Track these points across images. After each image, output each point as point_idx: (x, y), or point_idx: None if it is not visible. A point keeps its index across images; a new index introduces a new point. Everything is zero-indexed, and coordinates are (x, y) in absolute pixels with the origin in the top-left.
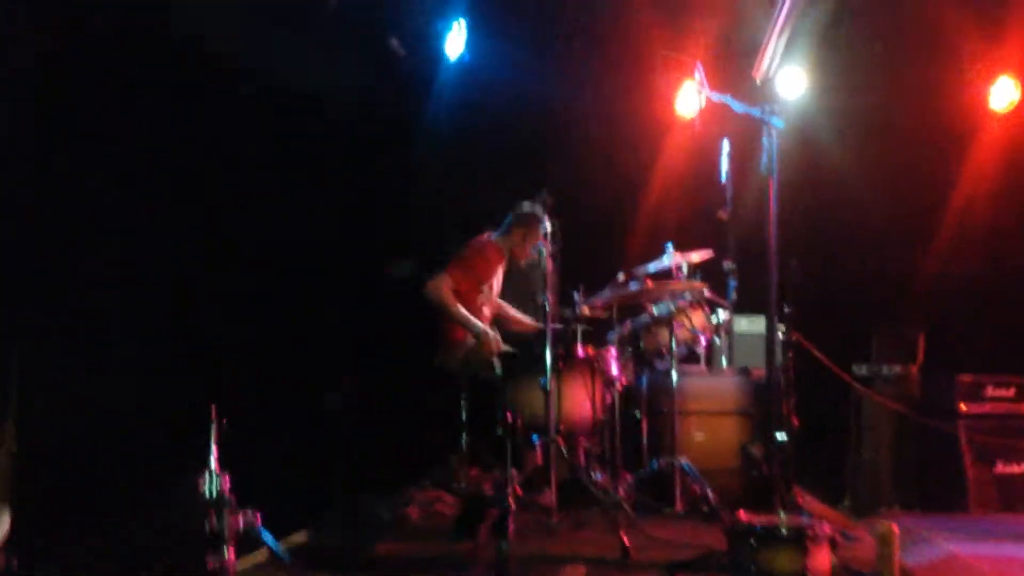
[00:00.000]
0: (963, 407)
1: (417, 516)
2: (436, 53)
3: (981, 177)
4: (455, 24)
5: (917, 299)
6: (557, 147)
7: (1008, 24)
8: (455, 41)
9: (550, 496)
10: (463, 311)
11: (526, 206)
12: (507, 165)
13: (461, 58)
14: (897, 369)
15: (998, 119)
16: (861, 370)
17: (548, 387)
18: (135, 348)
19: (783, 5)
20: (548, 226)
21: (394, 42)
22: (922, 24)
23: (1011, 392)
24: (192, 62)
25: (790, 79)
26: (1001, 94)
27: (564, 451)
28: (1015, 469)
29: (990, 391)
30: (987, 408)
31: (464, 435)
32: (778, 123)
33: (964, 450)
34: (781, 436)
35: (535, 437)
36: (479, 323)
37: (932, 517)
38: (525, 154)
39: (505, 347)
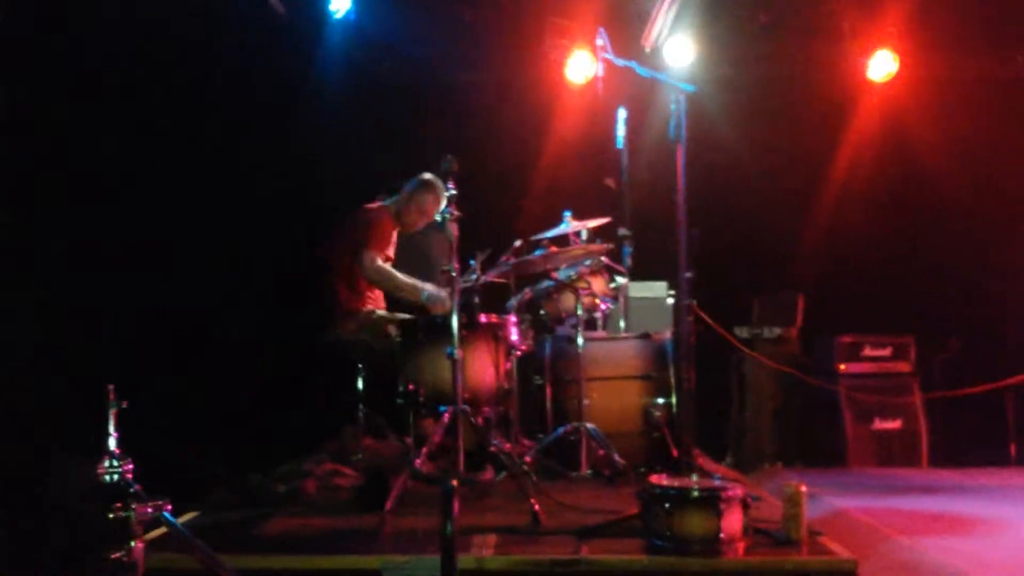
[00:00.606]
0: (842, 367)
1: (314, 490)
2: (320, 12)
3: (859, 146)
4: None
5: (798, 264)
6: (451, 112)
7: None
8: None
9: (451, 468)
10: (407, 278)
11: (425, 174)
12: (398, 130)
13: (348, 17)
14: (777, 331)
15: (876, 89)
16: (743, 332)
17: (456, 355)
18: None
19: None
20: (453, 191)
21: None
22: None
23: (888, 352)
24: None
25: (679, 48)
26: (879, 66)
27: (465, 420)
28: (891, 425)
29: (868, 351)
30: (865, 367)
31: (360, 407)
32: (688, 87)
33: (843, 408)
34: (678, 398)
35: (442, 407)
36: (426, 285)
37: (814, 473)
38: (418, 118)
39: (403, 315)
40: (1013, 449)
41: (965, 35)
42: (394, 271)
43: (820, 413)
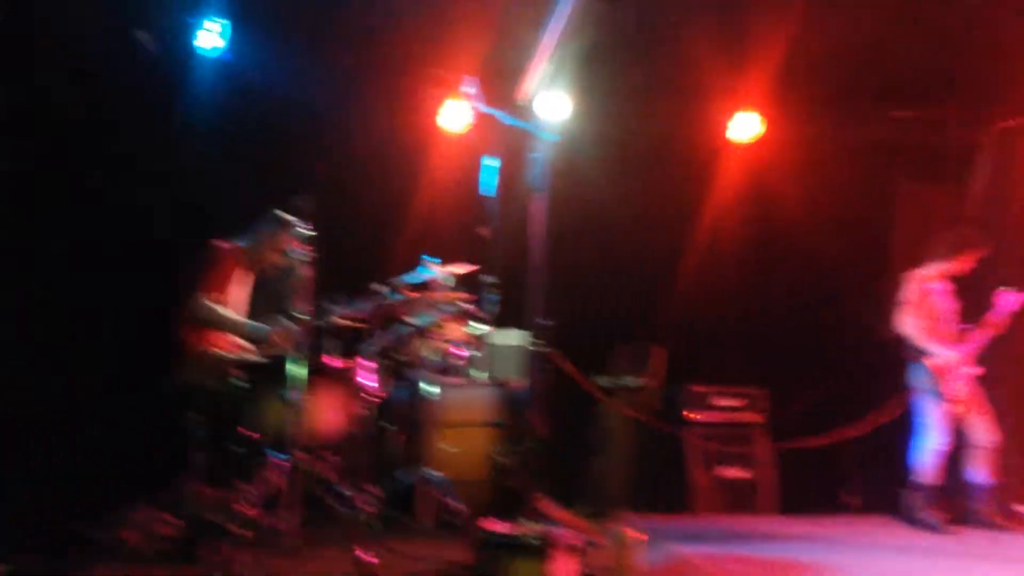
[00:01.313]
0: (691, 415)
1: (135, 539)
2: (191, 49)
3: (723, 203)
4: (210, 21)
5: (662, 315)
6: (323, 153)
7: (749, 62)
8: (210, 38)
9: (289, 516)
10: (231, 316)
11: (276, 212)
12: (269, 168)
13: (222, 56)
14: (636, 381)
15: (740, 149)
16: (603, 382)
17: (293, 400)
18: None
19: (549, 30)
20: (305, 231)
21: (143, 36)
22: (674, 58)
23: (735, 402)
24: None
25: (554, 102)
26: (742, 126)
27: (307, 467)
28: (740, 474)
29: (716, 400)
30: (713, 416)
31: (196, 452)
32: (550, 137)
33: (691, 456)
34: (529, 446)
35: (277, 453)
36: (260, 325)
37: (661, 520)
38: (289, 157)
39: (252, 357)
40: (852, 497)
41: (825, 99)
42: (218, 309)
43: (672, 461)
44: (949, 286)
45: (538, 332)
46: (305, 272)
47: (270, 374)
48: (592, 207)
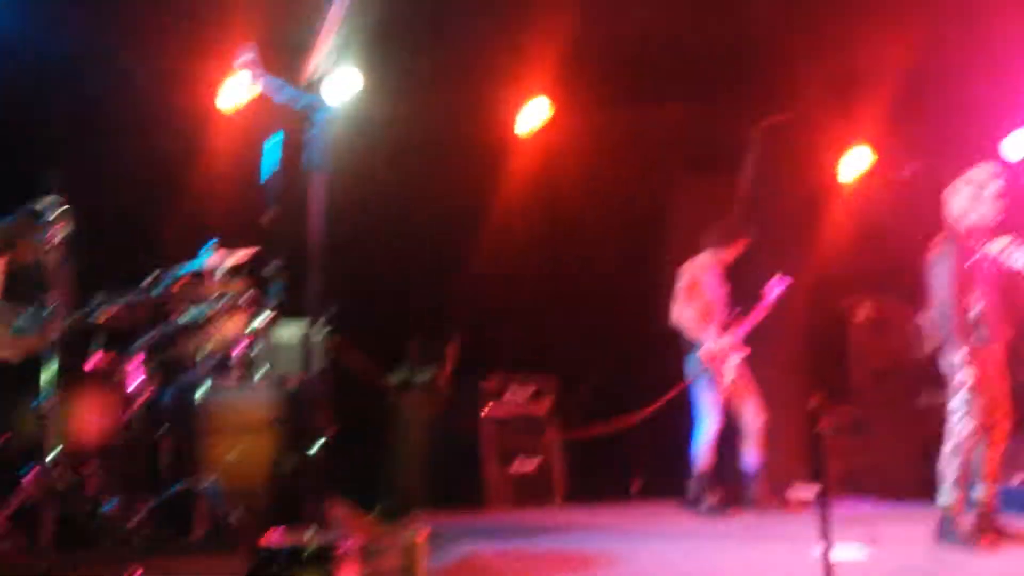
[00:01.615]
0: (486, 409)
1: None
2: None
3: (514, 191)
4: None
5: (454, 307)
6: (88, 133)
7: (539, 48)
8: None
9: (42, 535)
10: None
11: (33, 202)
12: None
13: None
14: (429, 375)
15: (531, 136)
16: (396, 377)
17: (47, 405)
18: None
19: (335, 3)
20: (60, 214)
21: None
22: (466, 41)
23: (529, 393)
24: None
25: (341, 80)
26: (532, 114)
27: (63, 481)
28: (529, 466)
29: (511, 394)
30: (507, 410)
31: None
32: (326, 112)
33: (484, 451)
34: (314, 447)
35: (30, 464)
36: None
37: (455, 517)
38: (48, 139)
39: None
40: (636, 484)
41: (618, 85)
42: None
43: (465, 457)
44: (722, 274)
45: (322, 324)
46: (61, 262)
47: (19, 376)
48: (384, 192)
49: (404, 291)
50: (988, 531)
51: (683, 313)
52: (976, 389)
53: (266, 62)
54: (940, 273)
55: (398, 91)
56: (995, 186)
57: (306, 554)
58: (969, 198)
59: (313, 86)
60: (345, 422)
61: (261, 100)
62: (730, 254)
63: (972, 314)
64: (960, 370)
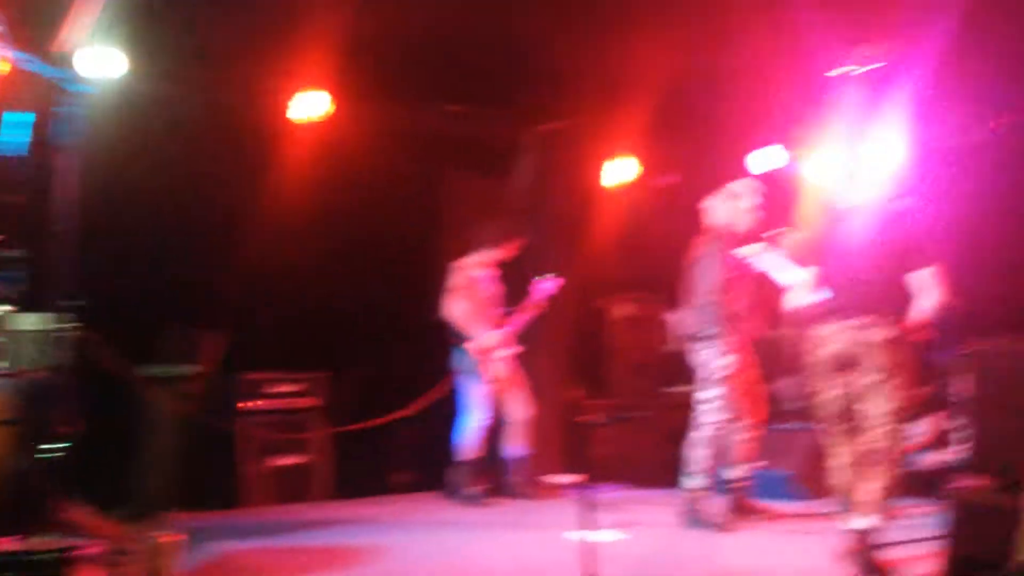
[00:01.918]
0: (244, 404)
1: None
2: None
3: (285, 182)
4: None
5: (216, 298)
6: None
7: (314, 37)
8: None
9: None
10: None
11: None
12: None
13: None
14: (186, 369)
15: (304, 127)
16: (150, 371)
17: None
18: None
19: None
20: None
21: None
22: (242, 25)
23: (291, 387)
24: None
25: (101, 58)
26: (308, 105)
27: None
28: (293, 461)
29: (274, 388)
30: (267, 404)
31: None
32: (82, 89)
33: (243, 446)
34: (52, 446)
35: None
36: None
37: (212, 517)
38: None
39: None
40: (402, 477)
41: (396, 81)
42: None
43: (223, 454)
44: (493, 272)
45: (67, 313)
46: None
47: None
48: (148, 178)
49: (163, 281)
50: (741, 511)
51: (455, 308)
52: (730, 380)
53: (17, 33)
54: (703, 273)
55: (169, 70)
56: (753, 198)
57: (37, 561)
58: (731, 208)
59: (67, 60)
60: (89, 419)
61: (12, 73)
62: (503, 254)
63: (731, 311)
64: (716, 361)
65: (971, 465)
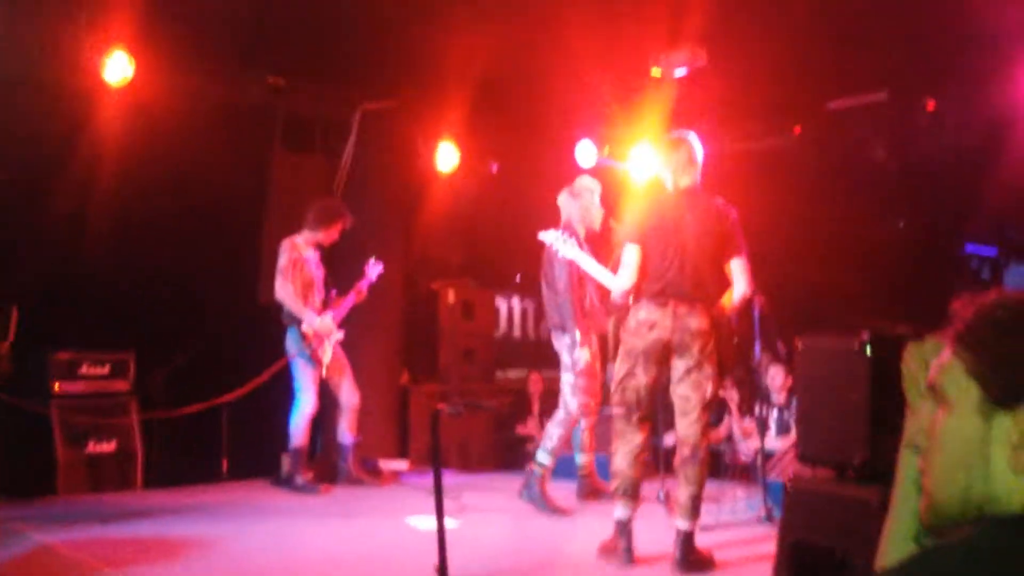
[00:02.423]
0: (57, 386)
1: None
2: None
3: (95, 150)
4: None
5: (15, 272)
6: None
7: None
8: None
9: None
10: None
11: None
12: None
13: None
14: None
15: (117, 94)
16: None
17: None
18: None
19: None
20: None
21: None
22: None
23: (106, 369)
24: None
25: None
26: (115, 68)
27: None
28: (106, 448)
29: (85, 369)
30: (81, 387)
31: None
32: None
33: (55, 431)
34: None
35: None
36: None
37: (21, 506)
38: None
39: None
40: (225, 464)
41: (214, 49)
42: None
43: (32, 438)
44: (318, 254)
45: None
46: None
47: None
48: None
49: None
50: (589, 493)
51: (284, 289)
52: (586, 371)
53: None
54: (559, 266)
55: None
56: (597, 194)
57: None
58: (579, 203)
59: None
60: None
61: None
62: (329, 235)
63: (585, 303)
64: (574, 351)
65: (799, 455)
